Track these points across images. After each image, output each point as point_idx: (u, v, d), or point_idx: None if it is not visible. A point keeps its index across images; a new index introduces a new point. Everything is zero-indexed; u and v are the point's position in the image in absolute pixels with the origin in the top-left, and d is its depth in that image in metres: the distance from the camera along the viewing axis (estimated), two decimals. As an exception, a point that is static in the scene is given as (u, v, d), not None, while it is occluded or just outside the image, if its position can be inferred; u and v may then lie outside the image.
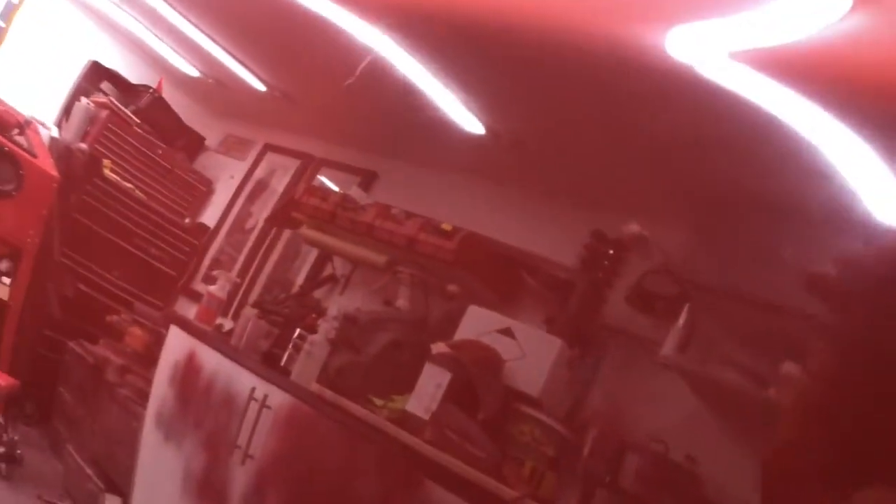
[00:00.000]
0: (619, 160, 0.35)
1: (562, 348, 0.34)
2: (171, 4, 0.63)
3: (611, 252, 0.32)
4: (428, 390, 0.37)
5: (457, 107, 0.43)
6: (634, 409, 0.31)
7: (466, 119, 0.43)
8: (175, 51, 0.64)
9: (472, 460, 0.34)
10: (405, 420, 0.36)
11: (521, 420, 0.34)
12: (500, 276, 0.39)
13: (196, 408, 0.47)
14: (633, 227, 0.31)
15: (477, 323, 0.36)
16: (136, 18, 0.66)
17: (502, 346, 0.36)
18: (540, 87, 0.40)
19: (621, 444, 0.31)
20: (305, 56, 0.53)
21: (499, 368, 0.36)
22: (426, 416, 0.36)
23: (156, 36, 0.64)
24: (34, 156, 0.69)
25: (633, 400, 0.31)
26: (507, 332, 0.36)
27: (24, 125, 0.67)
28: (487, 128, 0.40)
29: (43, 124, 0.65)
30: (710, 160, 0.34)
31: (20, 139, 0.69)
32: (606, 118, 0.38)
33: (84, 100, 0.79)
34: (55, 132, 0.64)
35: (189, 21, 0.62)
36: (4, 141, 0.71)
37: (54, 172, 0.68)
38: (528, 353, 0.35)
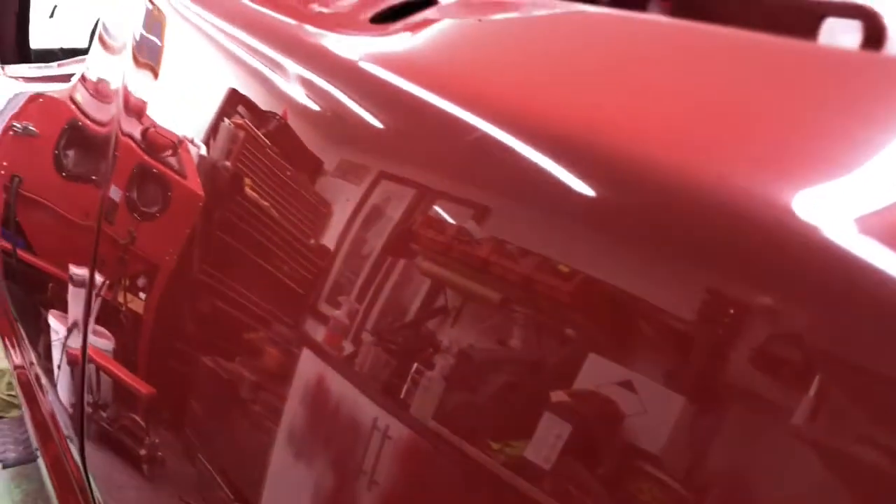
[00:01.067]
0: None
1: (683, 406, 0.33)
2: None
3: (733, 311, 0.31)
4: (548, 440, 0.37)
5: (577, 154, 0.43)
6: (758, 476, 0.29)
7: (585, 167, 0.43)
8: (298, 82, 0.66)
9: None
10: (523, 467, 0.36)
11: (640, 477, 0.33)
12: (619, 324, 0.38)
13: (325, 429, 0.49)
14: (763, 293, 0.30)
15: (596, 373, 0.36)
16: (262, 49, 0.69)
17: (623, 399, 0.35)
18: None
19: None
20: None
21: (619, 423, 0.36)
22: (546, 466, 0.36)
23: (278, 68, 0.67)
24: (184, 176, 0.73)
25: (756, 466, 0.29)
26: (627, 384, 0.36)
27: (177, 145, 0.70)
28: (608, 181, 0.39)
29: (193, 142, 0.68)
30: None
31: (171, 160, 0.72)
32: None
33: (226, 120, 0.83)
34: (203, 151, 0.67)
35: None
36: (154, 163, 0.76)
37: (200, 192, 0.71)
38: (649, 408, 0.35)
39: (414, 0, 0.58)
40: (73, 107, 1.20)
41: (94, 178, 1.02)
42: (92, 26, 1.78)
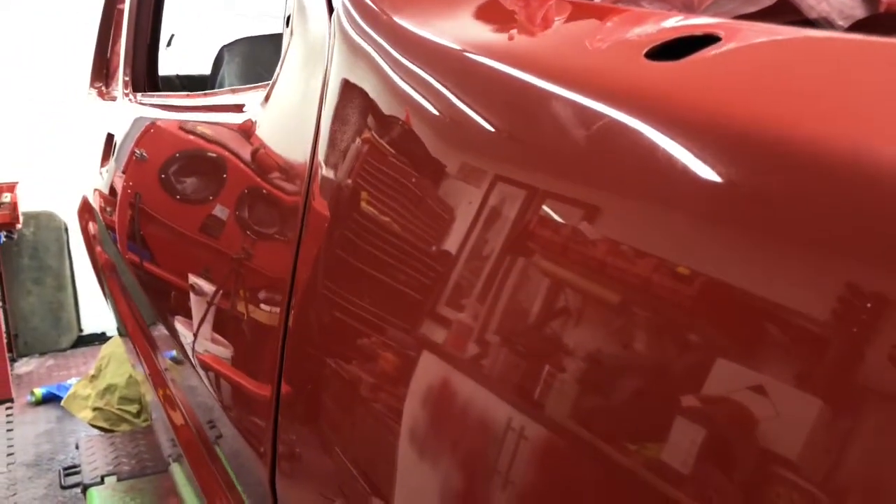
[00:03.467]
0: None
1: (819, 409, 0.32)
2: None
3: (869, 306, 0.30)
4: (683, 445, 0.36)
5: (695, 149, 0.42)
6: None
7: (704, 162, 0.41)
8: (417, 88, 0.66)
9: None
10: (661, 470, 0.36)
11: (777, 482, 0.32)
12: (747, 327, 0.36)
13: (452, 430, 0.49)
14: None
15: (725, 378, 0.34)
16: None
17: (754, 403, 0.34)
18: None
19: None
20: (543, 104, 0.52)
21: (752, 427, 0.34)
22: (684, 470, 0.35)
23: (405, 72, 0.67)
24: (313, 199, 0.76)
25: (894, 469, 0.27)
26: (759, 389, 0.34)
27: (313, 171, 0.71)
28: (726, 172, 0.38)
29: (322, 165, 0.69)
30: None
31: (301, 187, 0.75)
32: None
33: (370, 152, 0.83)
34: (325, 171, 0.68)
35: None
36: (283, 197, 0.79)
37: (327, 213, 0.74)
38: (782, 412, 0.33)
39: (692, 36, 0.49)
40: (190, 136, 1.26)
41: (210, 198, 1.07)
42: (213, 57, 1.85)
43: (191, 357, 1.07)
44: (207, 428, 1.11)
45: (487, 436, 0.47)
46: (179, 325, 1.16)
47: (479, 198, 0.55)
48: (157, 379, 1.45)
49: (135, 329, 1.67)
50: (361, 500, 0.61)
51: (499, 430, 0.46)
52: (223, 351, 0.96)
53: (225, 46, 1.56)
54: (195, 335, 1.04)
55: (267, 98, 0.96)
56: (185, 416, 1.23)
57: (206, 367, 1.02)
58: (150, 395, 1.70)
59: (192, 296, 1.07)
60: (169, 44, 1.99)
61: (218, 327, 0.99)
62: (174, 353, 1.24)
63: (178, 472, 1.47)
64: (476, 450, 0.48)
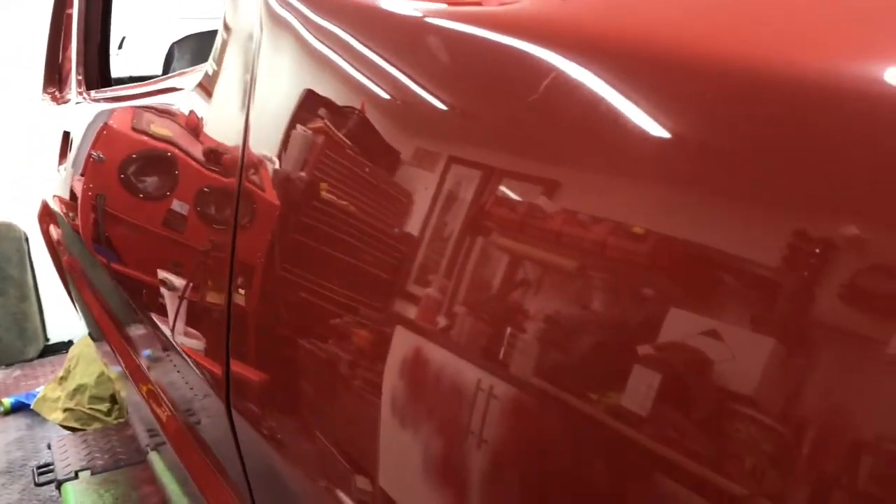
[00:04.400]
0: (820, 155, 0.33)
1: (773, 348, 0.33)
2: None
3: (818, 251, 0.31)
4: (640, 389, 0.37)
5: (637, 112, 0.43)
6: (857, 409, 0.28)
7: (648, 122, 0.42)
8: (368, 77, 0.67)
9: (693, 456, 0.34)
10: (622, 414, 0.37)
11: (735, 418, 0.33)
12: (699, 277, 0.37)
13: (428, 398, 0.50)
14: (848, 227, 0.29)
15: (680, 326, 0.35)
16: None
17: (709, 347, 0.35)
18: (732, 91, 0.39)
19: (845, 441, 0.29)
20: (485, 74, 0.54)
21: (708, 369, 0.35)
22: (642, 413, 0.36)
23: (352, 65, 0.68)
24: (263, 190, 0.79)
25: (855, 399, 0.28)
26: (713, 333, 0.36)
27: (258, 164, 0.75)
28: (673, 131, 0.39)
29: (270, 159, 0.71)
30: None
31: (254, 178, 0.77)
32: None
33: (300, 127, 0.83)
34: (277, 165, 0.70)
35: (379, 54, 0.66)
36: (236, 183, 0.81)
37: (277, 202, 0.77)
38: (738, 354, 0.34)
39: None
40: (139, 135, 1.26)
41: (166, 194, 1.07)
42: (164, 54, 1.83)
43: (168, 346, 1.07)
44: (188, 415, 1.11)
45: (464, 400, 0.48)
46: (153, 317, 1.16)
47: (407, 163, 0.56)
48: (138, 374, 1.43)
49: (110, 328, 1.65)
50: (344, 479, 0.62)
51: (473, 393, 0.47)
52: (188, 339, 0.97)
53: (175, 43, 1.56)
54: (168, 325, 1.04)
55: (204, 80, 0.97)
56: (169, 405, 1.22)
57: (181, 354, 1.02)
58: (126, 392, 1.69)
59: (158, 287, 1.07)
60: (120, 46, 1.98)
61: (183, 315, 1.00)
62: (153, 345, 1.24)
63: (157, 461, 1.46)
64: (455, 414, 0.49)
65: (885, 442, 0.29)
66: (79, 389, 2.80)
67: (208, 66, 0.98)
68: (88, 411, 2.76)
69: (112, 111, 1.52)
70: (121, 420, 2.61)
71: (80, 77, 2.05)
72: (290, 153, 0.73)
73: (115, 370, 1.76)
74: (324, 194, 0.68)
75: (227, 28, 0.95)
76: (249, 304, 0.76)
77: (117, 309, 1.52)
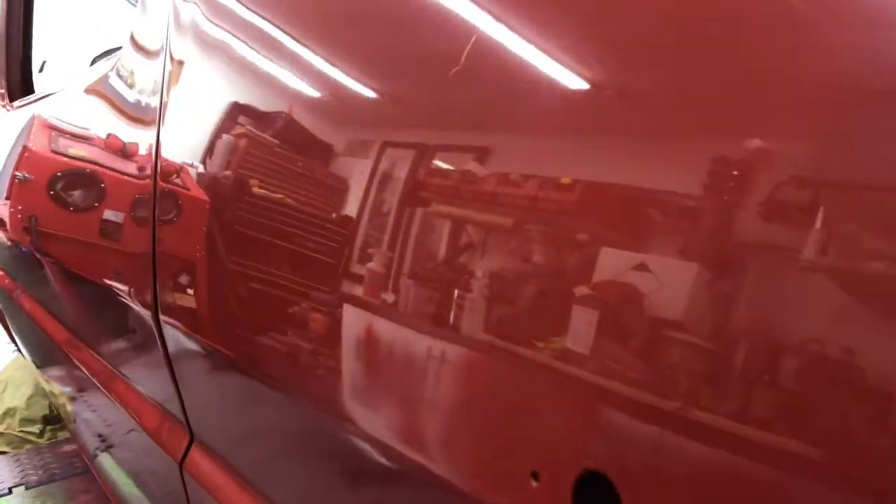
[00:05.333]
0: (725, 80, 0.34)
1: (698, 273, 0.34)
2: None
3: (735, 173, 0.32)
4: (581, 329, 0.38)
5: (553, 66, 0.44)
6: (783, 317, 0.29)
7: (566, 76, 0.43)
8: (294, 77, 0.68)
9: (634, 383, 0.36)
10: (569, 356, 0.38)
11: (669, 343, 0.34)
12: (626, 216, 0.38)
13: (384, 374, 0.50)
14: (755, 143, 0.30)
15: (612, 264, 0.36)
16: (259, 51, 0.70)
17: (640, 280, 0.36)
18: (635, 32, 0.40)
19: (774, 349, 0.30)
20: (407, 57, 0.54)
21: (640, 300, 0.37)
22: (586, 351, 0.37)
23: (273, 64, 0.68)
24: (187, 189, 0.80)
25: (780, 309, 0.29)
26: (642, 266, 0.37)
27: (180, 170, 0.78)
28: (589, 81, 0.40)
29: (193, 165, 0.73)
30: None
31: (178, 180, 0.78)
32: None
33: (224, 136, 0.85)
34: (201, 168, 0.72)
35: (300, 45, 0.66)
36: (164, 185, 0.82)
37: (205, 197, 0.78)
38: (666, 283, 0.36)
39: None
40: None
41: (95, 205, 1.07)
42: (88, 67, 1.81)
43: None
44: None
45: (419, 365, 0.49)
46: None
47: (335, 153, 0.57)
48: (102, 375, 1.43)
49: (63, 336, 1.63)
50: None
51: (426, 358, 0.47)
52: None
53: (96, 57, 1.55)
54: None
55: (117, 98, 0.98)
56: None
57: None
58: (73, 404, 1.68)
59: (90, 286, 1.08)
60: (41, 70, 1.97)
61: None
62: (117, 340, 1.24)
63: (107, 461, 1.46)
64: (412, 380, 0.49)
65: (807, 344, 0.30)
66: (9, 413, 2.77)
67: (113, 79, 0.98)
68: (19, 434, 2.74)
69: (33, 117, 1.52)
70: (54, 440, 2.64)
71: (2, 91, 2.10)
72: (215, 157, 0.73)
73: (60, 386, 1.74)
74: (255, 190, 0.68)
75: (136, 46, 0.95)
76: (175, 299, 0.77)
77: (71, 316, 1.52)
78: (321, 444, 0.58)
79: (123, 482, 1.27)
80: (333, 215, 0.54)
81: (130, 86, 0.95)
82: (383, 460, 0.50)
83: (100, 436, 1.44)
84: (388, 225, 0.52)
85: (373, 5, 0.61)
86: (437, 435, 0.47)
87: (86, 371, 1.43)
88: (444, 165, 0.49)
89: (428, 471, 0.47)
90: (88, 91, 1.17)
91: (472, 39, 0.48)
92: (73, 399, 1.70)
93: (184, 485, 0.80)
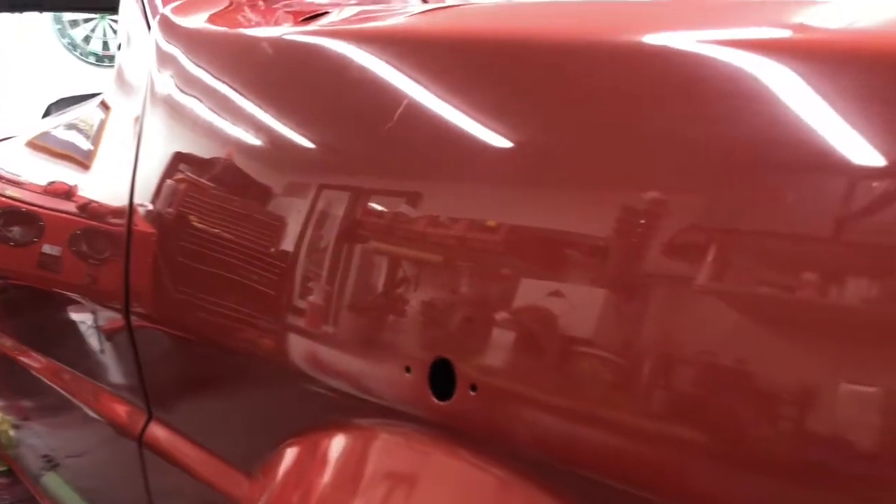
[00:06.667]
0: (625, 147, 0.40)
1: (604, 298, 0.38)
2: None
3: (642, 221, 0.36)
4: (502, 349, 0.43)
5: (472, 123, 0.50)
6: (671, 338, 0.35)
7: (486, 132, 0.49)
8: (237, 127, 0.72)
9: (551, 392, 0.42)
10: (493, 372, 0.44)
11: (581, 358, 0.41)
12: (541, 253, 0.43)
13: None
14: (651, 194, 0.36)
15: (528, 293, 0.41)
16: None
17: (553, 304, 0.41)
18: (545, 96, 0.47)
19: (666, 365, 0.37)
20: (349, 117, 0.61)
21: (554, 321, 0.41)
22: (507, 367, 0.44)
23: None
24: (136, 225, 0.83)
25: (671, 330, 0.35)
26: (557, 293, 0.41)
27: (131, 212, 0.82)
28: (510, 139, 0.46)
29: (143, 205, 0.77)
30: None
31: (118, 221, 0.84)
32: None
33: (169, 183, 0.88)
34: (150, 208, 0.75)
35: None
36: (101, 225, 0.90)
37: (152, 230, 0.81)
38: (576, 307, 0.40)
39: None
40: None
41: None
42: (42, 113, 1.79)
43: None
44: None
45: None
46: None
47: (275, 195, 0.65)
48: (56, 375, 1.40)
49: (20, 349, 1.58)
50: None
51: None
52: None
53: (52, 104, 1.56)
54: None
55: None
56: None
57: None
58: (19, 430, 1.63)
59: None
60: None
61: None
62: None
63: (53, 480, 1.42)
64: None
65: (698, 358, 0.36)
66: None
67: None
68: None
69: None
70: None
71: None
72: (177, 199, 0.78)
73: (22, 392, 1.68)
74: (205, 227, 0.72)
75: (109, 105, 0.99)
76: (146, 320, 0.82)
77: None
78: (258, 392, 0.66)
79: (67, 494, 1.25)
80: (273, 248, 0.61)
81: (96, 139, 0.98)
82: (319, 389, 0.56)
83: (46, 456, 1.41)
84: (319, 255, 0.57)
85: (318, 72, 0.67)
86: (358, 366, 0.53)
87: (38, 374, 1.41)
88: (378, 207, 0.54)
89: (350, 383, 0.53)
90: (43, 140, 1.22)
91: (405, 102, 0.54)
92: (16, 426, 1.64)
93: (142, 460, 0.83)
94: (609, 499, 0.38)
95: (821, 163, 0.33)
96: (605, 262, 0.39)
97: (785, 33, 0.39)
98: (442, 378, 0.43)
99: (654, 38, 0.43)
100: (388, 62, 0.57)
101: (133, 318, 0.85)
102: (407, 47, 0.59)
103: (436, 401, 0.43)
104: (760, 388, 0.32)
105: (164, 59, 0.84)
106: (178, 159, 0.78)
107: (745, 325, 0.34)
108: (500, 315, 0.42)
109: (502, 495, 0.42)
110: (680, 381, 0.35)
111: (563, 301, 0.39)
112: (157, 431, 0.83)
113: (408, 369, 0.45)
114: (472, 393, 0.41)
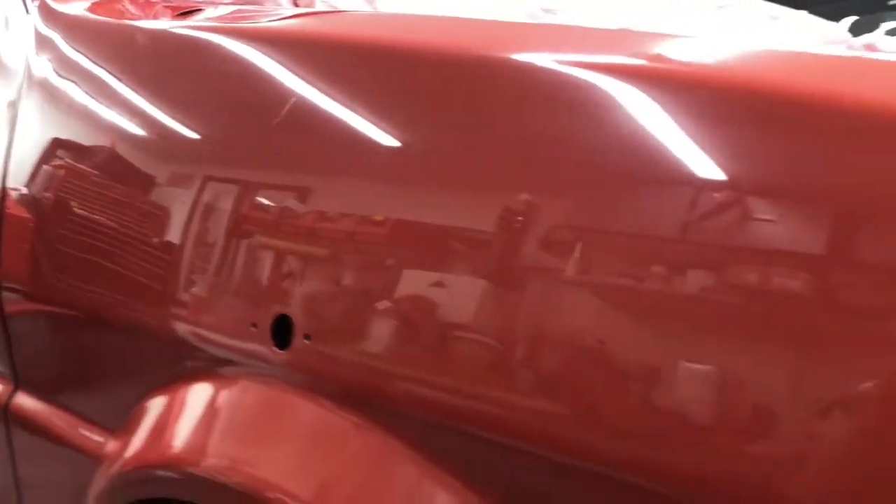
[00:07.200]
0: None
1: (482, 287, 0.41)
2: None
3: (520, 218, 0.40)
4: (385, 336, 0.47)
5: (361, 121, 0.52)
6: (541, 324, 0.36)
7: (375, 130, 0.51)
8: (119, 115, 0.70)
9: (428, 373, 0.45)
10: (376, 357, 0.48)
11: (460, 342, 0.44)
12: (424, 246, 0.45)
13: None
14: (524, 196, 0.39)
15: (413, 283, 0.44)
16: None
17: (435, 293, 0.43)
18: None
19: (535, 345, 0.37)
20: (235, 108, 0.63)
21: (435, 309, 0.45)
22: (388, 352, 0.48)
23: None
24: (8, 208, 0.81)
25: (541, 318, 0.37)
26: (439, 283, 0.44)
27: (3, 195, 0.78)
28: (399, 139, 0.48)
29: (16, 189, 0.74)
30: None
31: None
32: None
33: (45, 167, 0.83)
34: (24, 191, 0.72)
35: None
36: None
37: (24, 212, 0.80)
38: (456, 295, 0.43)
39: None
40: None
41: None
42: None
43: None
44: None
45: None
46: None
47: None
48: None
49: None
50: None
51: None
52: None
53: None
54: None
55: None
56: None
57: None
58: None
59: None
60: None
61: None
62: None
63: None
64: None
65: (568, 339, 0.39)
66: None
67: None
68: None
69: None
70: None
71: None
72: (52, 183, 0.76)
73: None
74: (82, 212, 0.72)
75: None
76: (16, 295, 0.82)
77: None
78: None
79: None
80: (136, 225, 0.65)
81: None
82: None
83: None
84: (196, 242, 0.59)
85: (196, 67, 0.68)
86: (213, 324, 0.57)
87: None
88: (265, 201, 0.56)
89: (206, 340, 0.57)
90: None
91: (293, 98, 0.56)
92: None
93: (7, 430, 0.83)
94: (454, 440, 0.42)
95: (668, 172, 0.38)
96: (416, 232, 0.46)
97: (643, 61, 0.44)
98: (282, 331, 0.50)
99: (527, 57, 0.47)
100: (268, 60, 0.59)
101: (4, 293, 0.84)
102: (288, 47, 0.61)
103: (277, 349, 0.50)
104: (614, 365, 0.37)
105: (43, 44, 0.81)
106: (54, 144, 0.76)
107: (599, 311, 0.37)
108: (327, 277, 0.50)
109: (347, 435, 0.48)
110: (472, 321, 0.41)
111: (383, 272, 0.46)
112: (24, 401, 0.83)
113: (254, 325, 0.51)
114: (306, 341, 0.48)
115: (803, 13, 0.67)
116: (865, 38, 0.66)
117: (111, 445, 0.65)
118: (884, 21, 0.73)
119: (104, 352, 0.74)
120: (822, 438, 0.31)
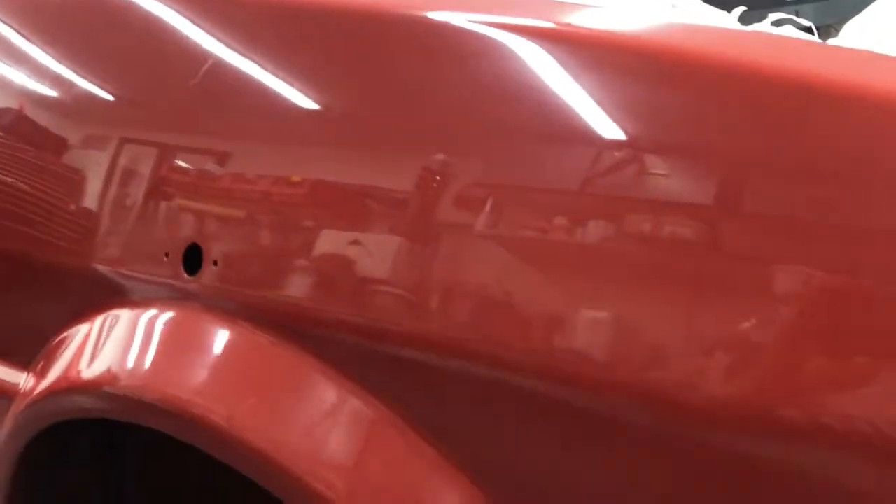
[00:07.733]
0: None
1: (397, 245, 0.43)
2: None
3: (438, 178, 0.41)
4: (304, 290, 0.48)
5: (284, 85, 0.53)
6: (461, 268, 0.40)
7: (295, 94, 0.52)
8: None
9: (348, 319, 0.46)
10: (297, 308, 0.48)
11: (379, 295, 0.45)
12: (348, 204, 0.46)
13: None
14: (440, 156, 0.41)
15: (332, 243, 0.45)
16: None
17: (353, 252, 0.45)
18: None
19: (450, 293, 0.40)
20: (144, 64, 0.60)
21: (353, 266, 0.46)
22: (308, 304, 0.50)
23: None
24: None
25: (454, 264, 0.41)
26: (356, 242, 0.45)
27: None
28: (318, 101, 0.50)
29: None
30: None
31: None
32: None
33: None
34: None
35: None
36: None
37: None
38: (373, 253, 0.45)
39: None
40: None
41: None
42: None
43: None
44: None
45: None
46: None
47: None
48: None
49: None
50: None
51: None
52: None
53: None
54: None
55: None
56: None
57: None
58: None
59: None
60: None
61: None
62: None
63: None
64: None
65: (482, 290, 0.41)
66: None
67: None
68: None
69: None
70: None
71: None
72: None
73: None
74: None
75: None
76: None
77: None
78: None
79: None
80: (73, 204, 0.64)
81: None
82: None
83: None
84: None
85: (112, 25, 0.67)
86: (130, 256, 0.59)
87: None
88: (182, 164, 0.55)
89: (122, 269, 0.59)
90: None
91: (210, 59, 0.56)
92: None
93: None
94: (363, 355, 0.45)
95: (572, 130, 0.40)
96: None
97: (552, 25, 0.47)
98: (192, 259, 0.52)
99: (443, 16, 0.48)
100: (188, 19, 0.59)
101: None
102: (210, 6, 0.61)
103: (187, 276, 0.52)
104: (521, 311, 0.39)
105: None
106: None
107: (506, 261, 0.40)
108: (233, 208, 0.53)
109: (260, 353, 0.50)
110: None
111: (285, 204, 0.50)
112: None
113: (167, 255, 0.53)
114: (213, 267, 0.51)
115: (698, 2, 0.72)
116: (754, 27, 0.71)
117: (26, 381, 0.64)
118: (771, 12, 0.78)
119: (20, 290, 0.73)
120: (708, 372, 0.33)
